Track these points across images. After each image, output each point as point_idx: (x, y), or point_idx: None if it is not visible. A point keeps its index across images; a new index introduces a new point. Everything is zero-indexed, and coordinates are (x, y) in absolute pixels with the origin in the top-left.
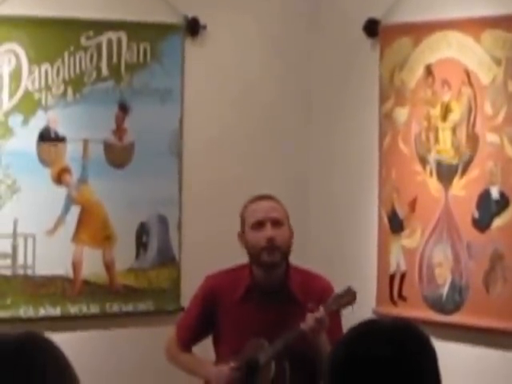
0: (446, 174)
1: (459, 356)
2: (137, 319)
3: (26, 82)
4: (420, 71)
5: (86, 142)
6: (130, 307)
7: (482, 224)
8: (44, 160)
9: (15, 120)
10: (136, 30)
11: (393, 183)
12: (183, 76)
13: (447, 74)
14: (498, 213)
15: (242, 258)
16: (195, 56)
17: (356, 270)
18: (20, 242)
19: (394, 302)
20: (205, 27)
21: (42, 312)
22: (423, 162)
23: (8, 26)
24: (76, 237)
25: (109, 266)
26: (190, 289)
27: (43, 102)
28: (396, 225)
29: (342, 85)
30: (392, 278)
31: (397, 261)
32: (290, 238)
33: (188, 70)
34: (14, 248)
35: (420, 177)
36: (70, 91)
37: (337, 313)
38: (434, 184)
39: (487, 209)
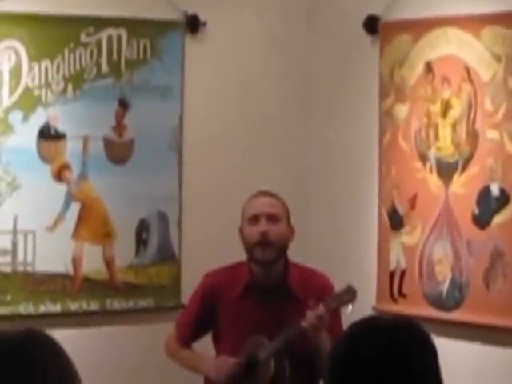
0: (446, 170)
1: (459, 353)
2: (137, 316)
3: (25, 79)
4: (420, 68)
5: (85, 139)
6: (130, 304)
7: (482, 221)
8: (44, 157)
9: (15, 117)
10: (136, 27)
11: (393, 180)
12: (183, 73)
13: (447, 71)
14: (498, 210)
15: (241, 254)
16: (195, 53)
17: (356, 266)
18: (20, 238)
19: (394, 299)
20: (205, 24)
21: (42, 309)
22: (423, 158)
23: (8, 22)
24: (76, 233)
25: (109, 263)
26: (189, 285)
27: (43, 98)
28: (396, 222)
29: (341, 81)
30: (392, 274)
31: (397, 258)
32: (287, 235)
33: (188, 67)
34: (14, 245)
35: (420, 174)
36: (70, 88)
37: (337, 311)
38: (434, 181)
39: (487, 206)
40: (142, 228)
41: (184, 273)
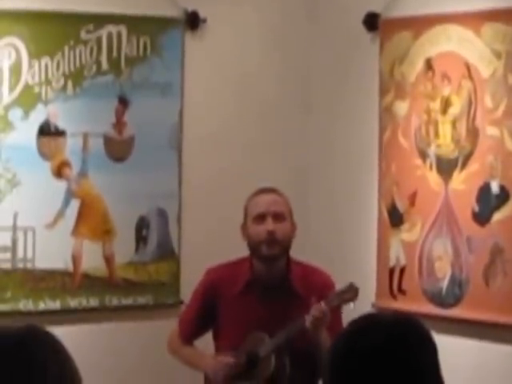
0: (446, 167)
1: (459, 349)
2: (136, 313)
3: (25, 76)
4: (420, 65)
5: (85, 136)
6: (129, 301)
7: (482, 218)
8: (44, 154)
9: (15, 114)
10: (136, 24)
11: (393, 177)
12: (183, 70)
13: (447, 68)
14: (498, 206)
15: (241, 251)
16: (195, 49)
17: (356, 263)
18: (20, 235)
19: (393, 296)
20: (205, 21)
21: (41, 305)
22: (423, 155)
23: (8, 19)
24: (76, 230)
25: (108, 260)
26: (189, 282)
27: (43, 95)
28: (396, 218)
29: (341, 78)
30: (392, 271)
31: (396, 254)
32: (292, 233)
33: (188, 64)
34: (14, 241)
35: (420, 170)
36: (69, 85)
37: (338, 309)
38: (433, 178)
39: (487, 202)
40: (142, 225)
41: (183, 270)
